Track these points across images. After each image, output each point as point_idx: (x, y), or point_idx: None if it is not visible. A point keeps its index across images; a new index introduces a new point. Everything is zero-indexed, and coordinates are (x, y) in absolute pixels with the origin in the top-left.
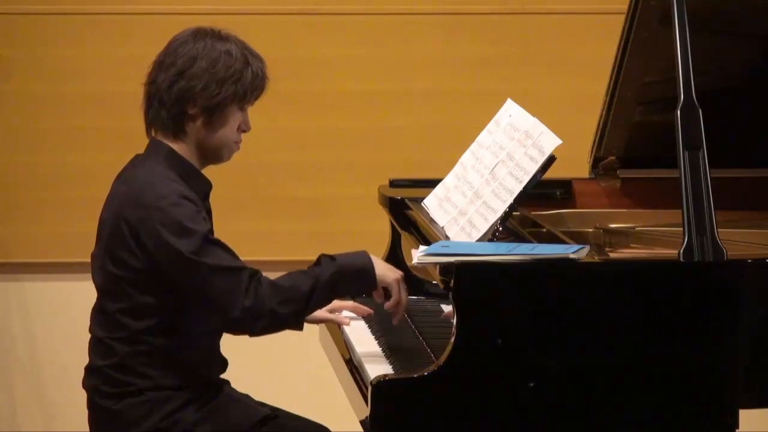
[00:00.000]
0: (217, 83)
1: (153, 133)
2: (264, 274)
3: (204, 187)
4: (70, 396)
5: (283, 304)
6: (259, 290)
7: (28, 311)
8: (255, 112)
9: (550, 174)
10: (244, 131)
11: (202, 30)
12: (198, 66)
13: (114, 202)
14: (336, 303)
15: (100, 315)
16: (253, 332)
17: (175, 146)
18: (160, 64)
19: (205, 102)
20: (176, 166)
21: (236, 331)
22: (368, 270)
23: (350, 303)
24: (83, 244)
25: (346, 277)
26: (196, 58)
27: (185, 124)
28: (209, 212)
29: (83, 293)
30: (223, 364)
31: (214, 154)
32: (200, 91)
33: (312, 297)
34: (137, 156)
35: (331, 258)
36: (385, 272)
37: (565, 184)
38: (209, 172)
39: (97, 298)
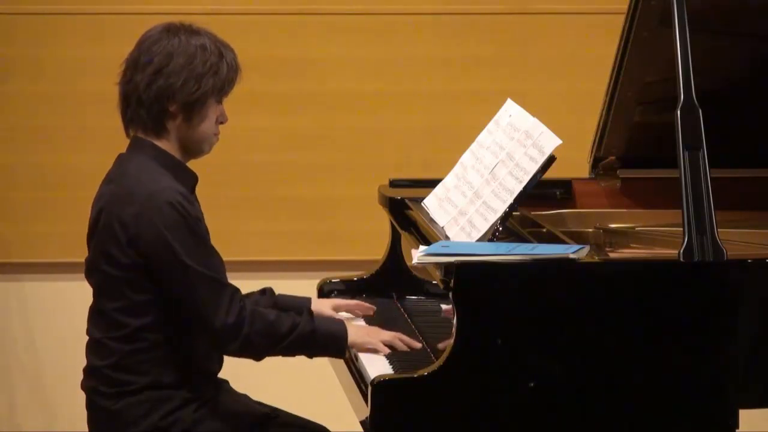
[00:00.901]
0: (196, 78)
1: (132, 132)
2: (265, 273)
3: (191, 180)
4: (70, 396)
5: (258, 335)
6: (243, 312)
7: (28, 311)
8: (255, 112)
9: (550, 174)
10: (222, 123)
11: (173, 26)
12: (175, 63)
13: (103, 201)
14: (338, 301)
15: (97, 315)
16: (224, 351)
17: (158, 143)
18: (134, 63)
19: (185, 98)
20: (163, 160)
21: (209, 343)
22: (340, 338)
23: (353, 301)
24: (83, 244)
25: (318, 338)
26: (172, 54)
27: (166, 121)
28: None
29: (83, 293)
30: (220, 359)
31: (195, 148)
32: (180, 87)
33: (286, 339)
34: (121, 156)
35: (311, 317)
36: (360, 338)
37: (565, 184)
38: (200, 169)
39: (93, 300)
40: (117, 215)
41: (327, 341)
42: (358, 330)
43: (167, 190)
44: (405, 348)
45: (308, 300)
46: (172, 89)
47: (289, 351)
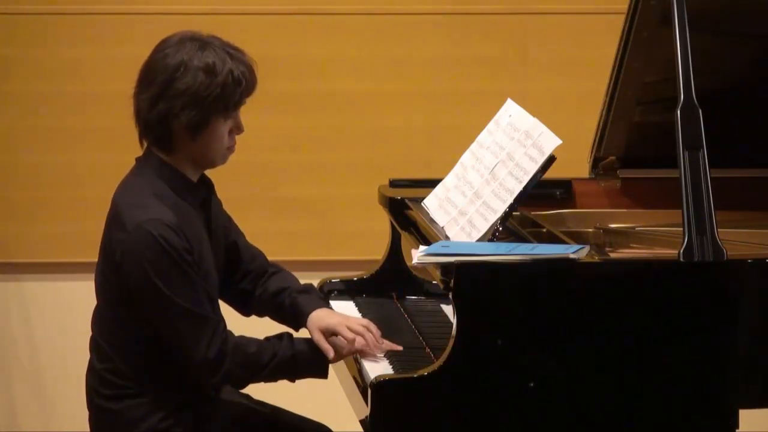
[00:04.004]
0: (196, 102)
1: (146, 142)
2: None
3: (200, 195)
4: (70, 396)
5: (240, 367)
6: (224, 347)
7: (28, 311)
8: (255, 112)
9: (550, 174)
10: (238, 134)
11: (185, 38)
12: (175, 87)
13: (109, 214)
14: (340, 323)
15: (97, 318)
16: (205, 383)
17: (168, 158)
18: (143, 78)
19: (187, 121)
20: (168, 178)
21: (190, 377)
22: (321, 360)
23: (360, 325)
24: (83, 244)
25: (299, 363)
26: (174, 76)
27: (172, 140)
28: (209, 214)
29: (83, 293)
30: None
31: (206, 163)
32: (179, 111)
33: (266, 368)
34: (137, 161)
35: (291, 341)
36: (342, 353)
37: (565, 184)
38: (210, 171)
39: (96, 301)
40: (111, 235)
41: (307, 365)
42: (336, 343)
43: (154, 221)
44: (380, 350)
45: (313, 308)
46: (173, 112)
47: (271, 378)
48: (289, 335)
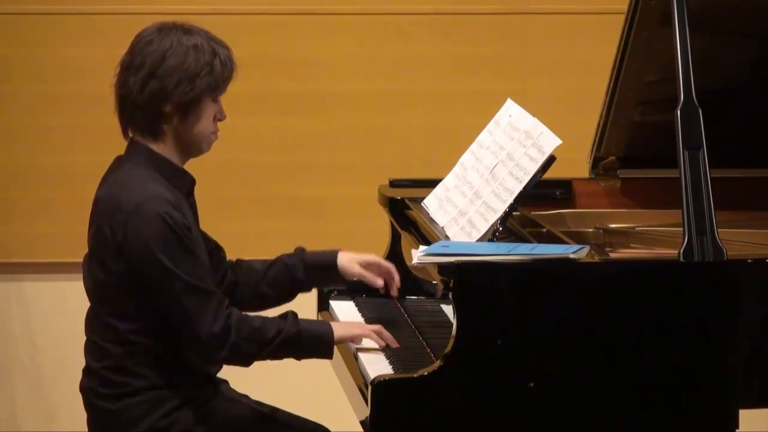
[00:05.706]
0: (189, 79)
1: (130, 134)
2: None
3: (186, 184)
4: (70, 396)
5: (246, 341)
6: (229, 321)
7: (28, 311)
8: (255, 112)
9: (550, 174)
10: (220, 120)
11: (165, 26)
12: (168, 64)
13: (97, 206)
14: (361, 258)
15: (92, 318)
16: (212, 359)
17: (154, 145)
18: (128, 66)
19: (179, 99)
20: (156, 165)
21: (197, 355)
22: (326, 340)
23: (375, 260)
24: (83, 244)
25: (304, 341)
26: (164, 56)
27: (162, 123)
28: (194, 207)
29: (83, 293)
30: None
31: (193, 148)
32: (173, 89)
33: (272, 344)
34: (118, 158)
35: (296, 319)
36: (346, 332)
37: (565, 184)
38: (201, 169)
39: (90, 303)
40: (107, 222)
41: (313, 343)
42: (342, 326)
43: (154, 199)
44: (382, 343)
45: (335, 253)
46: (166, 91)
47: (276, 354)
48: (294, 313)
